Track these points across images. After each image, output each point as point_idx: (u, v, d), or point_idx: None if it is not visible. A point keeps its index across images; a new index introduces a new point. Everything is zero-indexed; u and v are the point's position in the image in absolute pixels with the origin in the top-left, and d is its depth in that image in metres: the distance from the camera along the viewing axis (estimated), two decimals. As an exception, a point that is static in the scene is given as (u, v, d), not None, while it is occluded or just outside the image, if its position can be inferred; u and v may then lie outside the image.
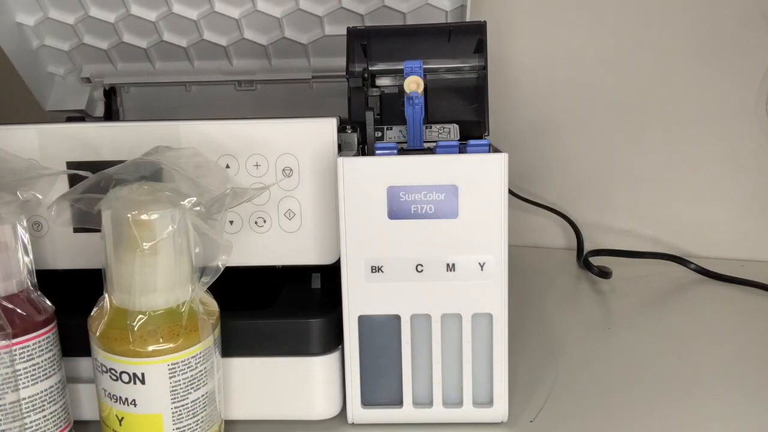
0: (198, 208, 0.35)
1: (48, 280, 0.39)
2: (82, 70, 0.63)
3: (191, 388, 0.35)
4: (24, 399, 0.35)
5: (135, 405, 0.34)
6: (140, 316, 0.34)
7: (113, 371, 0.34)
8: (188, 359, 0.35)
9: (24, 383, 0.35)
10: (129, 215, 0.33)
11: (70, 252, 0.42)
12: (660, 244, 0.75)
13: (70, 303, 0.38)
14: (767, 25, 0.68)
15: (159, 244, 0.34)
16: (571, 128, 0.76)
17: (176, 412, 0.35)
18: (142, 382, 0.34)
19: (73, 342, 0.38)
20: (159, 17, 0.58)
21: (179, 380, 0.35)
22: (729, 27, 0.69)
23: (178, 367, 0.35)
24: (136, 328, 0.34)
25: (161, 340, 0.34)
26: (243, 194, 0.36)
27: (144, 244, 0.33)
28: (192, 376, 0.35)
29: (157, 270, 0.34)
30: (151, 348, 0.34)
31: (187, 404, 0.35)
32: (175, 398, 0.35)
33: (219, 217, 0.36)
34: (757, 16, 0.68)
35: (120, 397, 0.35)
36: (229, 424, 0.41)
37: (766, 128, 0.70)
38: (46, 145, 0.41)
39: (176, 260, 0.35)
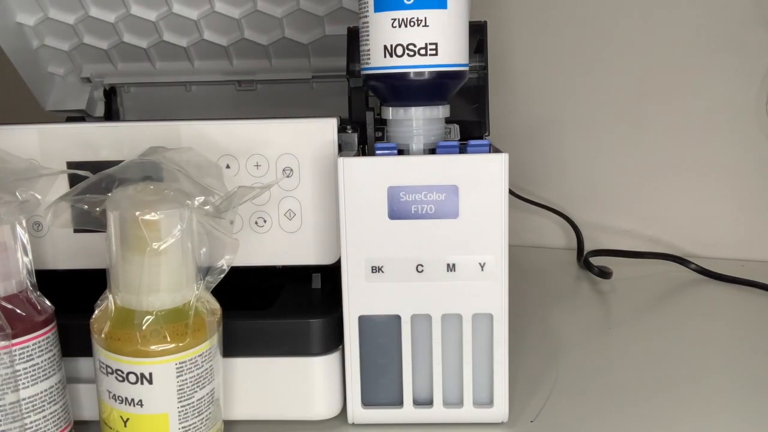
0: (207, 207, 0.35)
1: (48, 280, 0.39)
2: (82, 70, 0.63)
3: (197, 387, 0.35)
4: (24, 399, 0.35)
5: (141, 405, 0.34)
6: (147, 316, 0.34)
7: (119, 372, 0.34)
8: (195, 358, 0.35)
9: (24, 383, 0.35)
10: (138, 215, 0.33)
11: (70, 252, 0.42)
12: (660, 244, 0.75)
13: (70, 303, 0.38)
14: (767, 25, 0.68)
15: (168, 243, 0.34)
16: (571, 128, 0.76)
17: (182, 411, 0.35)
18: (150, 382, 0.34)
19: (73, 342, 0.38)
20: (159, 17, 0.58)
21: (186, 379, 0.35)
22: (729, 27, 0.69)
23: (186, 366, 0.35)
24: (143, 328, 0.34)
25: (168, 340, 0.34)
26: (249, 192, 0.36)
27: (153, 244, 0.33)
28: (198, 374, 0.35)
29: (166, 270, 0.34)
30: (158, 348, 0.34)
31: (192, 403, 0.35)
32: (181, 397, 0.35)
33: (227, 216, 0.36)
34: (757, 16, 0.68)
35: (126, 398, 0.35)
36: (229, 424, 0.41)
37: (766, 128, 0.70)
38: (46, 145, 0.41)
39: (183, 260, 0.35)
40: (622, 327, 0.56)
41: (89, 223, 0.35)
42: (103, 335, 0.35)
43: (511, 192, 0.73)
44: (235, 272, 0.37)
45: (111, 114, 0.64)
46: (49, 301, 0.37)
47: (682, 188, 0.74)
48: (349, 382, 0.41)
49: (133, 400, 0.35)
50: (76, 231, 0.42)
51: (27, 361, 0.35)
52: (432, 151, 0.40)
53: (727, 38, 0.69)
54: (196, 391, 0.35)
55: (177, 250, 0.34)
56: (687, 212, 0.74)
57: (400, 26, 0.38)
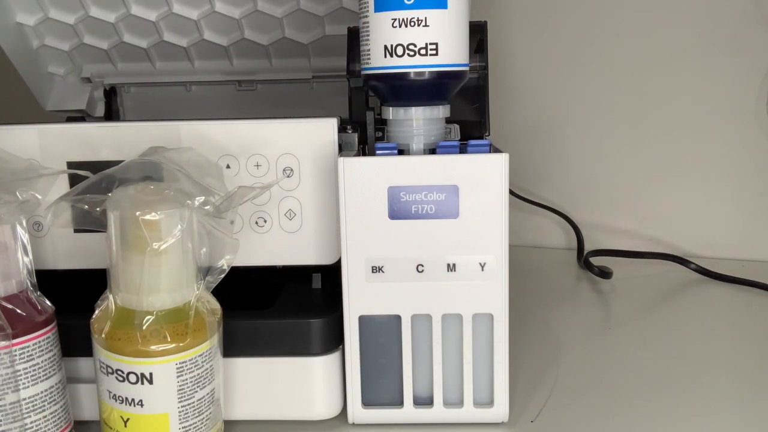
0: (207, 207, 0.35)
1: (48, 280, 0.39)
2: (82, 70, 0.63)
3: (197, 387, 0.35)
4: (24, 399, 0.35)
5: (142, 405, 0.34)
6: (148, 316, 0.34)
7: (120, 372, 0.34)
8: (195, 358, 0.35)
9: (24, 384, 0.35)
10: (138, 215, 0.33)
11: (70, 252, 0.42)
12: (660, 244, 0.75)
13: (70, 303, 0.38)
14: (767, 25, 0.68)
15: (168, 243, 0.34)
16: (571, 128, 0.76)
17: (182, 411, 0.35)
18: (150, 382, 0.34)
19: (73, 342, 0.38)
20: (159, 17, 0.58)
21: (186, 379, 0.35)
22: (729, 27, 0.69)
23: (186, 365, 0.35)
24: (144, 328, 0.34)
25: (169, 340, 0.34)
26: (249, 192, 0.36)
27: (154, 244, 0.33)
28: (198, 374, 0.35)
29: (166, 270, 0.34)
30: (159, 348, 0.34)
31: (193, 403, 0.35)
32: (182, 397, 0.35)
33: (227, 216, 0.36)
34: (757, 16, 0.68)
35: (126, 398, 0.35)
36: (229, 424, 0.41)
37: (766, 128, 0.70)
38: (46, 145, 0.41)
39: (184, 260, 0.35)
40: (622, 327, 0.56)
41: (89, 223, 0.35)
42: (103, 335, 0.35)
43: (511, 192, 0.73)
44: (235, 272, 0.38)
45: (111, 114, 0.64)
46: (49, 301, 0.37)
47: (682, 188, 0.74)
48: (350, 382, 0.41)
49: (133, 400, 0.35)
50: (76, 231, 0.42)
51: (27, 361, 0.35)
52: (432, 151, 0.40)
53: (727, 38, 0.69)
54: (196, 391, 0.35)
55: (177, 250, 0.34)
56: (687, 212, 0.74)
57: (400, 26, 0.38)
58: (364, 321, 0.40)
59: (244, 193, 0.36)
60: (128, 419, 0.35)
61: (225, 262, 0.36)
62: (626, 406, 0.44)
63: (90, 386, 0.40)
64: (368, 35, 0.39)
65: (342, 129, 0.42)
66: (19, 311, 0.35)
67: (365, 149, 0.45)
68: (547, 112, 0.76)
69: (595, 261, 0.69)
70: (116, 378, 0.35)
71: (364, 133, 0.45)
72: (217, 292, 0.37)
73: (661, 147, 0.73)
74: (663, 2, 0.70)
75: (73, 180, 0.41)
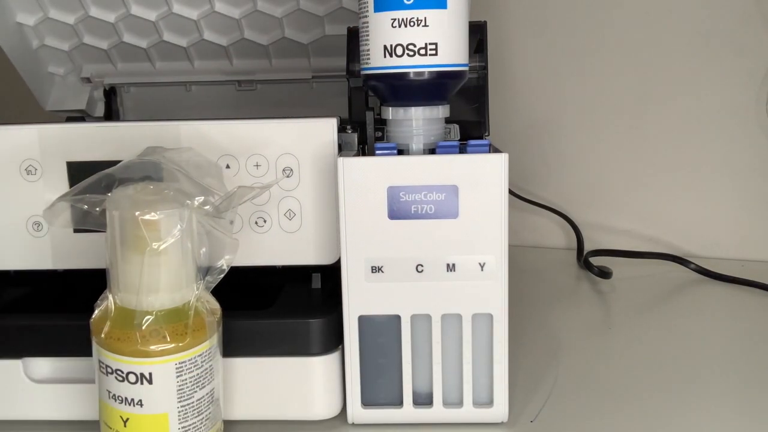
0: (207, 207, 0.35)
1: (48, 280, 0.39)
2: (82, 70, 0.63)
3: (197, 387, 0.35)
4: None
5: (141, 405, 0.34)
6: (147, 316, 0.34)
7: (119, 372, 0.34)
8: (194, 358, 0.35)
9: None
10: (137, 215, 0.33)
11: (70, 252, 0.42)
12: (660, 244, 0.75)
13: (70, 303, 0.38)
14: (767, 25, 0.68)
15: (167, 243, 0.34)
16: (571, 128, 0.76)
17: (182, 411, 0.35)
18: (150, 382, 0.34)
19: (73, 342, 0.38)
20: (159, 17, 0.58)
21: (186, 379, 0.35)
22: (729, 27, 0.69)
23: (185, 365, 0.35)
24: (143, 328, 0.34)
25: (168, 340, 0.34)
26: (249, 192, 0.36)
27: (153, 244, 0.33)
28: (198, 374, 0.35)
29: (166, 269, 0.34)
30: (158, 348, 0.34)
31: (192, 402, 0.35)
32: (181, 397, 0.35)
33: (227, 216, 0.36)
34: (757, 16, 0.68)
35: (126, 398, 0.35)
36: (229, 424, 0.41)
37: (766, 128, 0.70)
38: (46, 145, 0.41)
39: (183, 260, 0.35)
40: (622, 327, 0.56)
41: (89, 223, 0.35)
42: (103, 335, 0.35)
43: (510, 192, 0.73)
44: (235, 272, 0.38)
45: (111, 114, 0.64)
46: (49, 300, 0.37)
47: (682, 188, 0.74)
48: (349, 382, 0.41)
49: (132, 400, 0.35)
50: (76, 231, 0.42)
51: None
52: (432, 151, 0.40)
53: (727, 38, 0.69)
54: (195, 391, 0.35)
55: (177, 250, 0.34)
56: (687, 212, 0.74)
57: (399, 26, 0.38)
58: (363, 321, 0.40)
59: (243, 193, 0.36)
60: (128, 419, 0.35)
61: (224, 262, 0.36)
62: (626, 406, 0.44)
63: (90, 386, 0.40)
64: (368, 35, 0.39)
65: (342, 129, 0.42)
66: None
67: (365, 149, 0.45)
68: (547, 112, 0.76)
69: (595, 261, 0.69)
70: (116, 378, 0.35)
71: (363, 133, 0.45)
72: (217, 292, 0.37)
73: (661, 147, 0.73)
74: (663, 2, 0.70)
75: (73, 180, 0.41)
